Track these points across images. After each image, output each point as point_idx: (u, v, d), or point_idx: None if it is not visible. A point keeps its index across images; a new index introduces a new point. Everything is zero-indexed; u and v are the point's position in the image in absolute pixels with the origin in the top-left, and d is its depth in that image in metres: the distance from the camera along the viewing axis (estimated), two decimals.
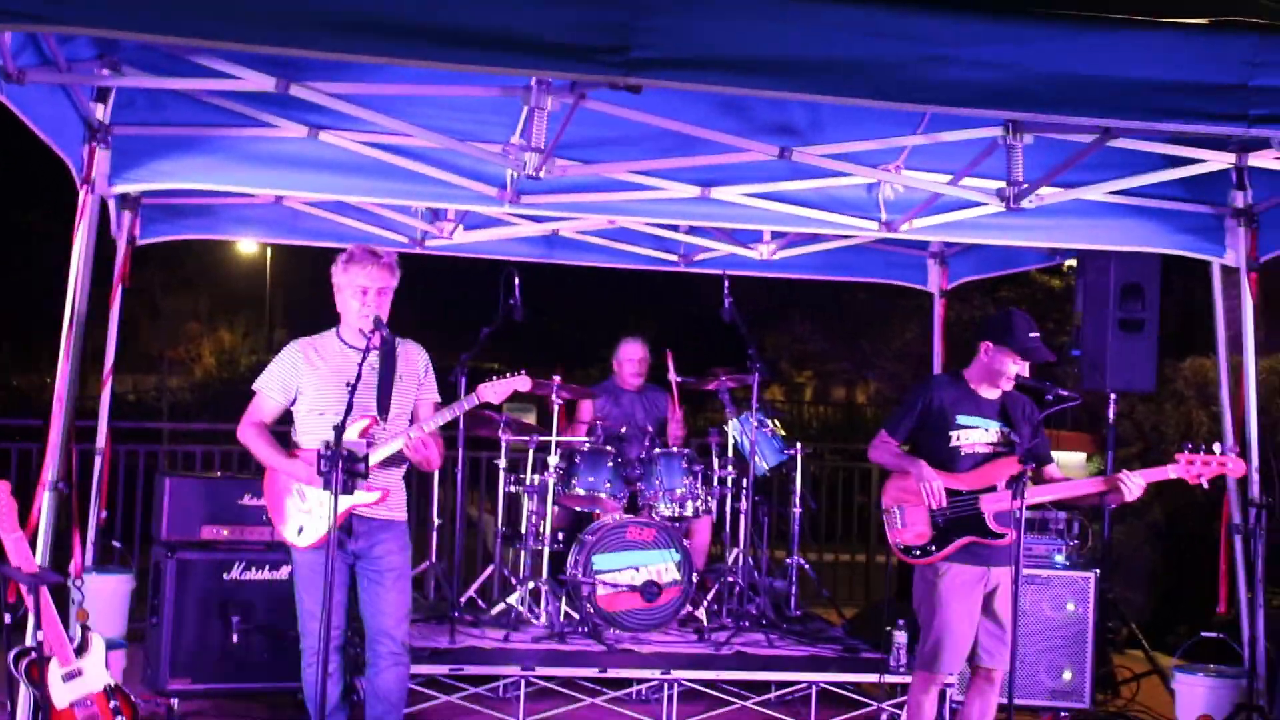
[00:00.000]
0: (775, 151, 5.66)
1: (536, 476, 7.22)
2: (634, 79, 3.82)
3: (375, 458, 4.93)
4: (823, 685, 6.37)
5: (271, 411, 5.11)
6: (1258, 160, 5.52)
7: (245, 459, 5.30)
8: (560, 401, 7.25)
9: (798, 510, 7.64)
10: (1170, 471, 4.99)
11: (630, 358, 7.90)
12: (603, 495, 7.16)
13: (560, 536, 7.20)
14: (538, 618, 7.04)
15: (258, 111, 5.54)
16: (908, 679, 6.20)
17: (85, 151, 5.31)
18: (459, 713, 6.20)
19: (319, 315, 5.23)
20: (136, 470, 8.68)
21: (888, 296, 14.80)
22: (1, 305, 22.01)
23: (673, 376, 7.69)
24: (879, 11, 3.91)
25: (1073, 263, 8.48)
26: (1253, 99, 4.06)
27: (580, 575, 6.86)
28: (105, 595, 6.56)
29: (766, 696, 6.43)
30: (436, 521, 7.65)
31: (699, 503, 7.28)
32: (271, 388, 5.09)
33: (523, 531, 7.24)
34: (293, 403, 5.09)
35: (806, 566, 7.73)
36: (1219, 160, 5.56)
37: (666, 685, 6.28)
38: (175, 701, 6.02)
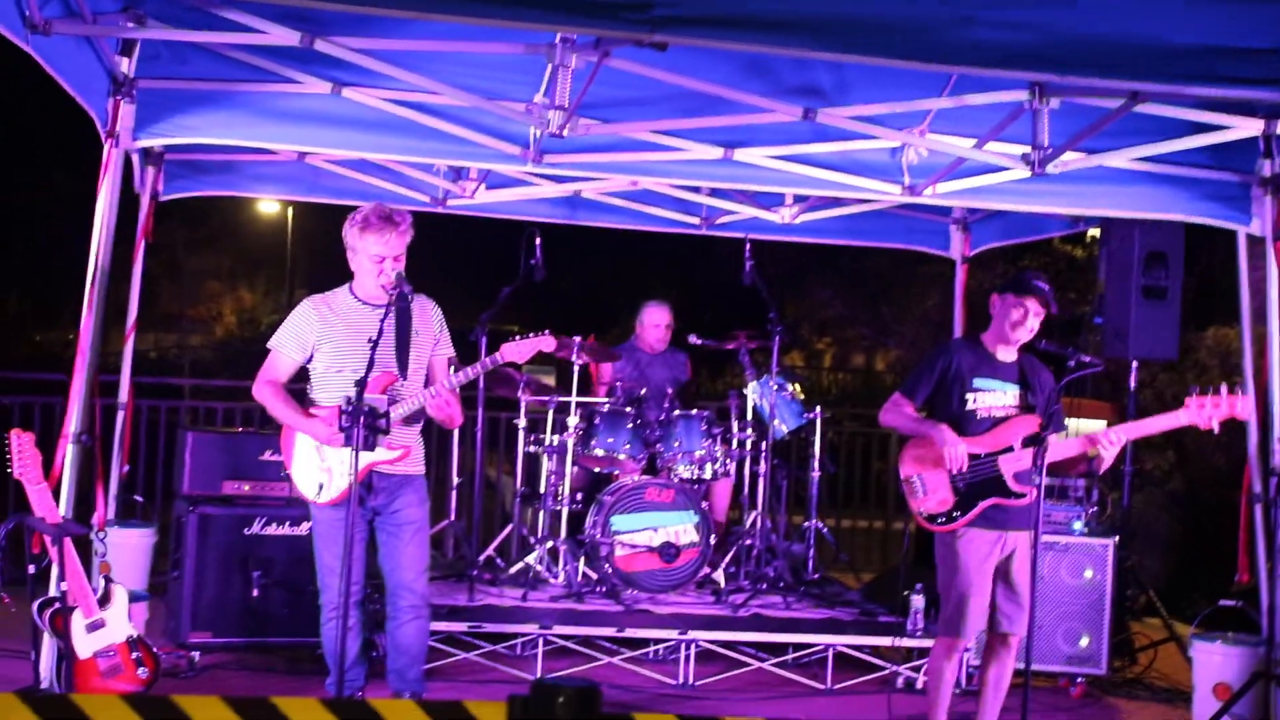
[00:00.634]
0: (799, 113, 5.63)
1: (555, 437, 7.24)
2: (659, 36, 3.81)
3: (398, 413, 4.95)
4: (839, 648, 6.41)
5: (288, 369, 5.11)
6: None
7: (266, 416, 5.30)
8: (579, 363, 7.26)
9: (816, 474, 7.65)
10: (1181, 416, 4.93)
11: (656, 323, 7.90)
12: (622, 456, 7.18)
13: (579, 497, 7.23)
14: (556, 577, 7.09)
15: (281, 67, 5.54)
16: (924, 643, 6.24)
17: (110, 105, 5.32)
18: (477, 669, 6.25)
19: (340, 275, 5.24)
20: (158, 425, 8.74)
21: (909, 263, 14.72)
22: (24, 262, 22.13)
23: (691, 338, 7.70)
24: None
25: (1095, 231, 8.44)
26: None
27: (599, 535, 6.90)
28: (128, 548, 6.63)
29: (783, 658, 6.48)
30: (456, 481, 7.69)
31: (718, 465, 7.29)
32: (288, 345, 5.09)
33: (541, 491, 7.27)
34: (308, 360, 5.11)
35: (824, 530, 7.74)
36: (1247, 127, 5.51)
37: (683, 646, 6.32)
38: (196, 654, 6.09)
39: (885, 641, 6.43)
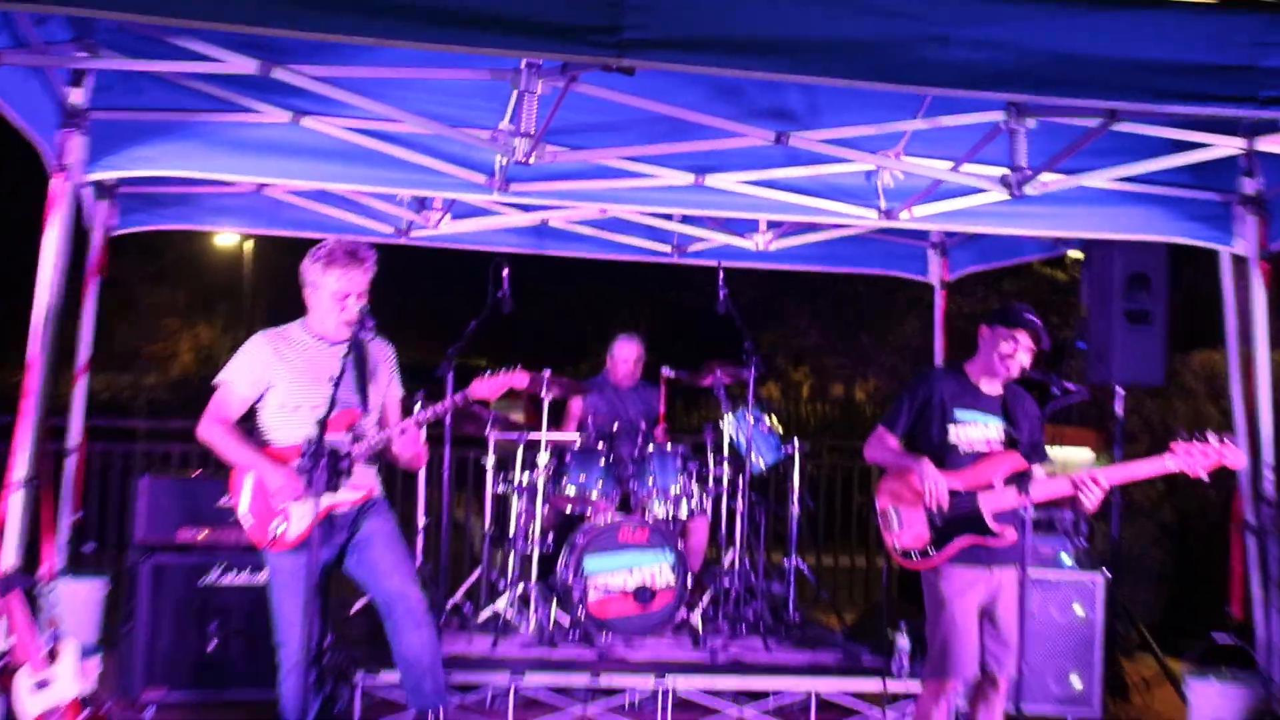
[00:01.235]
0: (771, 136, 5.66)
1: (525, 475, 7.21)
2: (627, 60, 3.81)
3: (362, 450, 4.94)
4: (822, 694, 6.37)
5: (239, 407, 5.05)
6: (1267, 145, 5.54)
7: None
8: (549, 398, 7.23)
9: (796, 510, 7.63)
10: (1168, 463, 4.89)
11: (626, 358, 7.91)
12: (594, 495, 7.16)
13: (550, 538, 7.19)
14: (527, 623, 7.04)
15: (239, 96, 5.54)
16: (910, 685, 6.21)
17: (60, 137, 5.29)
18: None
19: (300, 309, 5.22)
20: (111, 470, 8.67)
21: (887, 289, 14.83)
22: None
23: (665, 371, 7.69)
24: None
25: (1077, 254, 8.49)
26: (1262, 80, 4.07)
27: (571, 578, 6.86)
28: (78, 600, 6.55)
29: (764, 704, 6.44)
30: (422, 523, 7.64)
31: (694, 502, 7.28)
32: (239, 381, 5.04)
33: (511, 533, 7.23)
34: (258, 399, 5.07)
35: (805, 569, 7.72)
36: (1228, 145, 5.57)
37: (661, 693, 6.27)
38: (150, 711, 6.01)
39: (871, 685, 6.40)
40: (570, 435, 7.47)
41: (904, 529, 5.13)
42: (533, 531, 7.09)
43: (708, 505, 7.39)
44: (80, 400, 7.03)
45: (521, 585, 7.07)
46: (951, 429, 5.14)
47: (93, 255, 6.93)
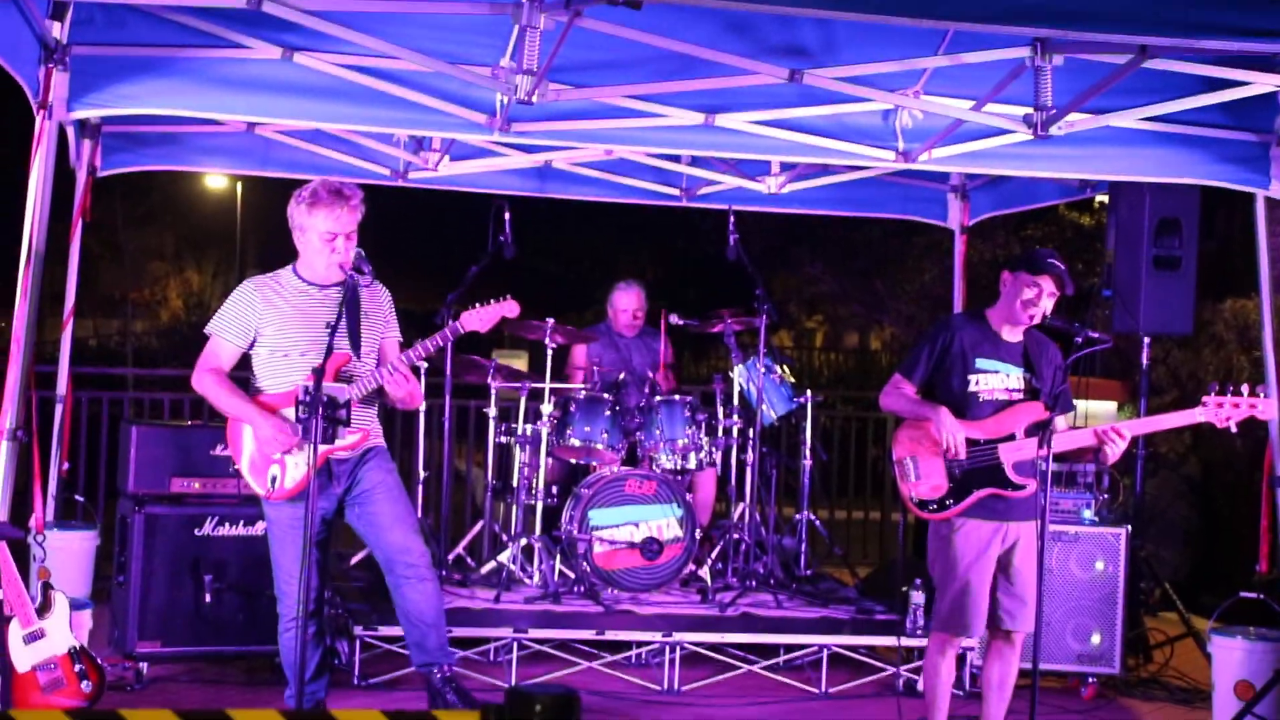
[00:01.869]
0: (785, 74, 5.61)
1: (529, 426, 7.24)
2: None
3: (354, 394, 4.95)
4: (834, 649, 6.42)
5: (230, 356, 5.09)
6: None
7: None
8: (553, 345, 7.24)
9: (808, 463, 7.64)
10: (1197, 415, 4.92)
11: (625, 307, 7.89)
12: (599, 446, 7.18)
13: (554, 490, 7.23)
14: (530, 577, 7.09)
15: (228, 31, 5.50)
16: (924, 642, 6.25)
17: (42, 74, 5.27)
18: None
19: (294, 253, 5.22)
20: (100, 419, 8.70)
21: (904, 234, 14.75)
22: None
23: (672, 319, 7.67)
24: None
25: (1104, 197, 8.46)
26: None
27: (576, 531, 6.90)
28: (69, 552, 6.60)
29: (774, 660, 6.50)
30: (422, 474, 7.67)
31: (703, 454, 7.30)
32: (228, 330, 5.07)
33: (514, 485, 7.26)
34: (250, 346, 5.09)
35: (817, 523, 7.76)
36: (1264, 83, 5.51)
37: (668, 649, 6.32)
38: (144, 665, 6.06)
39: (883, 641, 6.46)
40: (575, 385, 7.47)
41: (921, 479, 5.15)
42: (536, 483, 7.12)
43: (717, 457, 7.41)
44: (67, 347, 7.04)
45: (525, 539, 7.11)
46: (972, 378, 5.14)
47: (78, 197, 6.92)
